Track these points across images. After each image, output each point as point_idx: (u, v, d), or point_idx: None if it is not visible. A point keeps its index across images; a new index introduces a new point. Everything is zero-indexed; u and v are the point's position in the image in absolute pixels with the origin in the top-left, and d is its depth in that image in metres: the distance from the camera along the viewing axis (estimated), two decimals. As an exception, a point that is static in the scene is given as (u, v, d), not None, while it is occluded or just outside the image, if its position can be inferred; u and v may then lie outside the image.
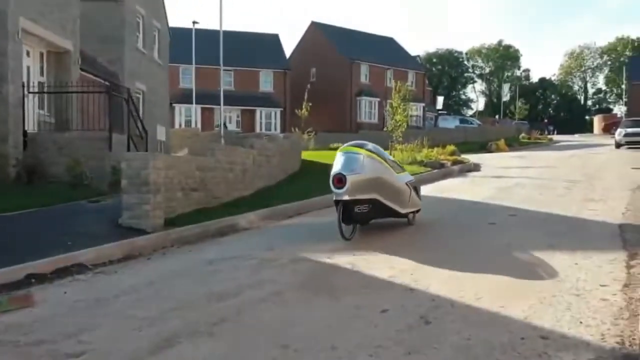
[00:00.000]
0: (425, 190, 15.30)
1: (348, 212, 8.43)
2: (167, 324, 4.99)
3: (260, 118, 51.60)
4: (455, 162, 22.53)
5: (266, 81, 52.41)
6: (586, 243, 7.93)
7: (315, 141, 35.76)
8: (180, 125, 47.65)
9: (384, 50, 55.76)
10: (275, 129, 50.10)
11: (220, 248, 8.68)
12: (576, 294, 5.48)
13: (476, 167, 23.05)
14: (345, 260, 7.21)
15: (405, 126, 22.23)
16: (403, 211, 9.53)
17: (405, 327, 4.70)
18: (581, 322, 4.66)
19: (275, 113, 51.76)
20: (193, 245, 8.89)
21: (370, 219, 9.19)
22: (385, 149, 22.95)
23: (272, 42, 54.06)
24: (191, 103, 43.20)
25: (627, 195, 12.92)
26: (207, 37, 39.77)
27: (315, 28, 55.67)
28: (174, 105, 47.93)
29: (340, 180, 8.24)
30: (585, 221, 9.82)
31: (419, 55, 65.70)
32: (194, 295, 5.94)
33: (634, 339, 4.26)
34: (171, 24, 34.60)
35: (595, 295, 5.42)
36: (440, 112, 70.37)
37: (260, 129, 49.96)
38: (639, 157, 26.27)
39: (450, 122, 55.29)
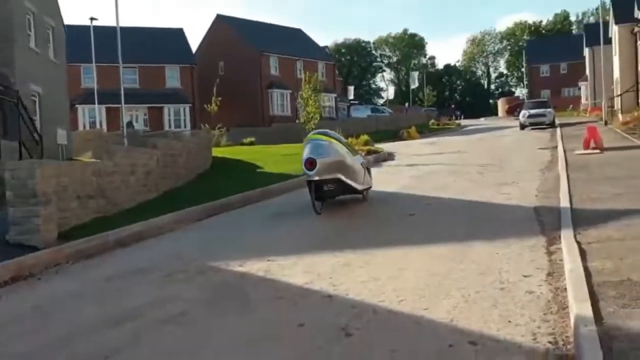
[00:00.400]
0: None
1: (319, 190, 9.96)
2: (49, 362, 4.28)
3: (169, 115, 49.81)
4: (369, 152, 22.41)
5: (172, 77, 50.62)
6: (504, 229, 7.79)
7: (227, 137, 34.87)
8: (84, 127, 45.19)
9: (292, 41, 55.25)
10: (185, 126, 48.54)
11: (121, 261, 7.92)
12: (500, 287, 5.21)
13: (390, 156, 23.06)
14: (258, 266, 6.67)
15: (318, 117, 21.91)
16: (360, 188, 10.91)
17: (325, 342, 4.23)
18: (510, 321, 4.37)
19: (184, 109, 50.14)
20: (91, 260, 8.08)
21: (336, 195, 10.69)
22: (299, 140, 22.69)
23: (176, 36, 52.30)
24: (94, 103, 40.98)
25: (538, 177, 13.10)
26: (107, 34, 37.72)
27: (221, 21, 54.28)
28: (76, 106, 45.37)
29: (311, 163, 9.56)
30: (500, 206, 9.75)
31: (327, 46, 65.73)
32: (86, 320, 5.24)
33: (567, 336, 3.98)
34: (68, 21, 32.51)
35: (521, 287, 5.17)
36: (352, 102, 70.80)
37: (170, 127, 48.23)
38: (542, 137, 27.25)
39: (362, 112, 55.70)
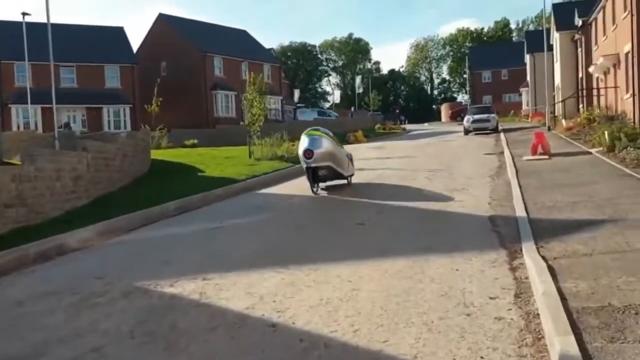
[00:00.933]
0: (288, 188, 14.37)
1: (315, 175, 12.37)
2: None
3: (108, 116, 47.85)
4: (315, 156, 21.85)
5: (112, 77, 48.68)
6: (462, 242, 7.26)
7: (169, 139, 33.60)
8: (18, 127, 42.80)
9: (237, 42, 54.16)
10: (126, 127, 46.74)
11: (38, 279, 6.97)
12: (466, 313, 4.62)
13: (337, 160, 22.54)
14: (192, 287, 5.88)
15: (263, 119, 21.09)
16: (345, 174, 13.50)
17: (267, 389, 3.52)
18: (482, 358, 3.76)
19: (125, 110, 48.28)
20: (5, 277, 7.09)
21: (328, 179, 13.07)
22: (244, 143, 21.90)
23: (117, 35, 50.37)
24: (28, 103, 38.87)
25: (488, 183, 12.76)
26: (42, 31, 35.80)
27: (164, 20, 52.67)
28: (9, 106, 43.06)
29: (309, 153, 11.88)
30: (454, 215, 9.26)
31: (273, 48, 64.84)
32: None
33: (549, 377, 3.41)
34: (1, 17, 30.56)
35: (488, 312, 4.60)
36: (298, 105, 70.27)
37: (109, 128, 46.33)
38: (487, 142, 27.31)
39: (308, 115, 55.21)
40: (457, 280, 5.48)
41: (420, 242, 7.39)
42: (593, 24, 32.22)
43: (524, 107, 62.33)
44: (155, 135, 29.79)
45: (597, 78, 31.58)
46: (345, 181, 13.73)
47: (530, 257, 5.88)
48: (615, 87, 26.59)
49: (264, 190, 14.18)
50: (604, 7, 28.66)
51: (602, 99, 30.61)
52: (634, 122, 22.42)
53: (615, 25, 25.79)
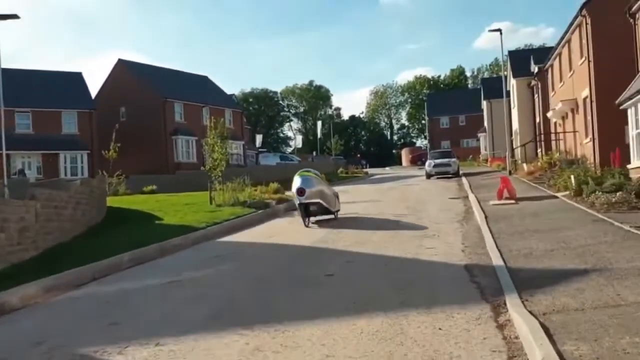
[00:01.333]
0: (251, 236, 13.75)
1: (307, 209, 14.43)
2: None
3: (65, 162, 46.50)
4: (280, 201, 21.29)
5: (70, 122, 47.55)
6: (440, 294, 6.78)
7: (128, 185, 32.60)
8: (-31, 174, 41.04)
9: (198, 88, 53.82)
10: (83, 174, 45.45)
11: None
12: (459, 383, 4.08)
13: (301, 206, 22.04)
14: (143, 355, 5.18)
15: (225, 164, 20.50)
16: (333, 209, 15.59)
17: None
18: None
19: (82, 156, 47.04)
20: None
21: (318, 214, 15.07)
22: (205, 189, 21.19)
23: (74, 80, 49.45)
24: (-22, 148, 37.38)
25: (458, 228, 12.41)
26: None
27: (123, 66, 52.07)
28: (-40, 152, 41.34)
29: (302, 191, 14.18)
30: (428, 264, 8.80)
31: (234, 94, 64.67)
32: None
33: None
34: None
35: (482, 381, 4.06)
36: (260, 150, 69.93)
37: (66, 174, 44.99)
38: (450, 186, 27.27)
39: (271, 159, 54.84)
40: (443, 343, 4.95)
41: (396, 295, 6.86)
42: (549, 70, 33.02)
43: (482, 151, 63.34)
44: (113, 182, 28.84)
45: (555, 123, 32.19)
46: (332, 215, 15.75)
47: (517, 312, 5.41)
48: (574, 131, 27.04)
49: (225, 239, 13.51)
50: (559, 54, 29.40)
51: (561, 143, 31.12)
52: (594, 165, 22.65)
53: (572, 71, 26.39)
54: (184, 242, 12.93)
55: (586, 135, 24.47)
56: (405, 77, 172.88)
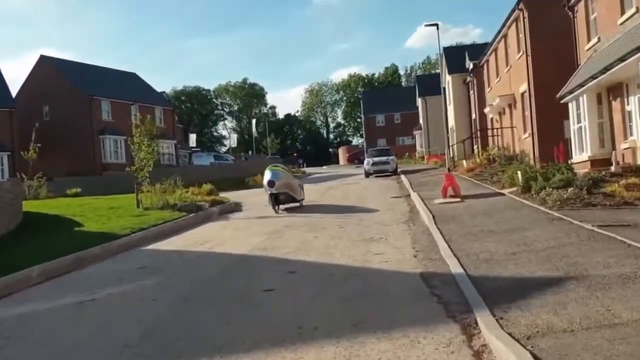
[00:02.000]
0: (180, 243, 12.48)
1: (277, 199, 16.83)
2: None
3: (-17, 165, 43.31)
4: (214, 203, 20.00)
5: (-14, 122, 44.33)
6: (398, 312, 5.83)
7: (51, 187, 30.44)
8: None
9: (126, 85, 51.23)
10: (4, 176, 42.32)
11: None
12: None
13: (237, 207, 20.82)
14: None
15: (152, 164, 19.03)
16: (298, 198, 18.18)
17: None
18: None
19: (2, 158, 43.91)
20: None
21: (286, 202, 17.61)
22: (132, 191, 19.64)
23: (-9, 77, 46.17)
24: None
25: (405, 231, 11.59)
26: None
27: (45, 62, 48.85)
28: None
29: (272, 183, 16.54)
30: (380, 273, 7.86)
31: (165, 92, 62.25)
32: None
33: None
34: None
35: None
36: (193, 149, 67.74)
37: (-17, 178, 41.82)
38: (390, 184, 26.66)
39: (205, 159, 53.04)
40: (412, 381, 3.98)
41: (348, 314, 5.87)
42: (485, 66, 33.03)
43: (418, 148, 63.61)
44: (33, 185, 26.71)
45: (492, 119, 32.19)
46: (298, 203, 18.39)
47: (496, 336, 4.52)
48: (512, 127, 26.97)
49: (151, 246, 12.20)
50: (495, 50, 29.34)
51: (498, 139, 31.13)
52: (533, 161, 22.49)
53: (509, 67, 26.27)
54: (105, 251, 11.56)
55: (524, 131, 24.36)
56: (339, 75, 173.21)
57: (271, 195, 16.81)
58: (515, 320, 4.96)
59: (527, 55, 22.47)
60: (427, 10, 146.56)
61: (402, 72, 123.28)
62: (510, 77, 26.12)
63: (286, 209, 17.61)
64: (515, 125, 26.07)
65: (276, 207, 16.85)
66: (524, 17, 22.48)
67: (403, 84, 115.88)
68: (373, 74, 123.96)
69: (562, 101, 18.95)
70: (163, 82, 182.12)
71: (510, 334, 4.55)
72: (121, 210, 17.81)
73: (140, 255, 11.31)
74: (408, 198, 19.04)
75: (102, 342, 5.71)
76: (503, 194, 15.34)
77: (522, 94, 24.26)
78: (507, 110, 27.49)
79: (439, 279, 7.10)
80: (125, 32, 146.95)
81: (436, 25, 28.29)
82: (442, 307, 5.86)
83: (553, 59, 21.75)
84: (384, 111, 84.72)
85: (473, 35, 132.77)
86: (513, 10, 23.75)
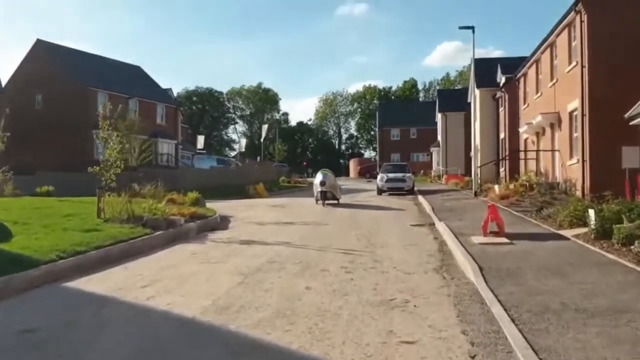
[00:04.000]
0: (118, 281, 8.63)
1: (324, 194, 23.40)
2: None
3: (-35, 153, 40.01)
4: (193, 217, 16.39)
5: (-28, 107, 41.12)
6: None
7: (25, 183, 27.16)
8: None
9: (127, 78, 47.85)
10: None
11: None
12: None
13: (223, 223, 17.31)
14: None
15: (122, 165, 15.46)
16: (338, 197, 24.61)
17: None
18: None
19: (-13, 148, 40.66)
20: None
21: (330, 199, 23.77)
22: (93, 194, 16.14)
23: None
24: None
25: (441, 287, 7.90)
26: None
27: (41, 47, 45.53)
28: None
29: (323, 183, 23.40)
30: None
31: (171, 88, 58.80)
32: None
33: None
34: None
35: None
36: (199, 151, 64.33)
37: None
38: (408, 206, 23.03)
39: (206, 162, 49.51)
40: None
41: None
42: (522, 80, 29.30)
43: (434, 167, 59.77)
44: (-3, 179, 23.40)
45: (527, 140, 28.43)
46: (336, 201, 24.30)
47: None
48: (553, 150, 23.22)
49: (76, 283, 8.58)
50: (537, 61, 25.65)
51: (531, 163, 27.37)
52: (582, 193, 18.76)
53: (554, 80, 22.55)
54: (7, 287, 7.96)
55: (571, 156, 20.61)
56: (355, 88, 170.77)
57: (321, 192, 23.44)
58: None
59: (582, 67, 18.77)
60: (448, 30, 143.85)
61: (420, 86, 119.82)
62: (556, 92, 22.40)
63: (276, 242, 14.04)
64: (559, 149, 22.30)
65: (323, 202, 23.28)
66: (581, 21, 18.80)
67: (421, 99, 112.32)
68: (390, 87, 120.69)
69: (631, 123, 15.27)
70: (177, 83, 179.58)
71: None
72: (76, 219, 14.30)
73: (50, 299, 7.69)
74: (432, 227, 15.40)
75: None
76: (565, 238, 11.57)
77: (571, 113, 20.54)
78: (549, 130, 23.72)
79: None
80: (141, 32, 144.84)
81: (472, 28, 24.67)
82: None
83: (615, 72, 18.12)
84: (399, 125, 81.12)
85: (494, 56, 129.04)
86: (567, 13, 20.08)
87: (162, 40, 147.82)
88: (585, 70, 18.60)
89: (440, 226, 14.97)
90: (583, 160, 18.72)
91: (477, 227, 12.83)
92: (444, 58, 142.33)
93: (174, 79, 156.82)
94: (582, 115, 18.84)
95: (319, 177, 23.88)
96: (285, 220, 17.71)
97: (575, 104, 19.79)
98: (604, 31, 18.30)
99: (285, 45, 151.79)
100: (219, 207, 22.72)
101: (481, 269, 8.64)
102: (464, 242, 11.45)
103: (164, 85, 57.48)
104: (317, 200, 23.80)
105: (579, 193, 19.18)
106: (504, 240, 11.44)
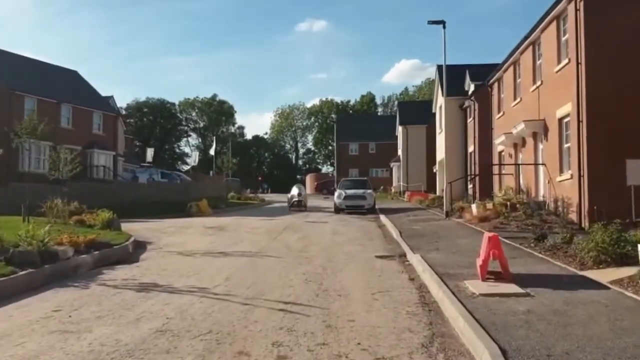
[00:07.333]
0: None
1: (300, 203, 32.10)
2: None
3: None
4: (92, 245, 12.47)
5: None
6: None
7: None
8: None
9: (61, 83, 43.22)
10: None
11: None
12: None
13: (136, 252, 13.49)
14: None
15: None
16: (306, 207, 32.67)
17: None
18: None
19: None
20: None
21: (303, 206, 32.26)
22: (33, 209, 11.87)
23: None
24: None
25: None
26: None
27: (-37, 46, 41.06)
28: None
29: (300, 194, 32.49)
30: None
31: (112, 96, 54.12)
32: None
33: None
34: None
35: None
36: (146, 164, 59.74)
37: None
38: (370, 229, 19.59)
39: (144, 176, 45.12)
40: None
41: None
42: (496, 85, 26.30)
43: (395, 182, 56.68)
44: None
45: (502, 152, 25.35)
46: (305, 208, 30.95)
47: None
48: (536, 164, 20.11)
49: None
50: (515, 63, 22.65)
51: (507, 179, 24.30)
52: (577, 215, 15.65)
53: (539, 83, 19.48)
54: None
55: (561, 170, 17.51)
56: (313, 103, 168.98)
57: (297, 201, 31.50)
58: None
59: (577, 64, 15.73)
60: (407, 49, 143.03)
61: (378, 101, 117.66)
62: (540, 96, 19.35)
63: (189, 288, 10.32)
64: (544, 162, 19.18)
65: (298, 208, 30.25)
66: (576, 9, 15.77)
67: (379, 113, 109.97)
68: (348, 101, 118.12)
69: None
70: (130, 95, 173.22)
71: None
72: None
73: None
74: (404, 261, 11.90)
75: None
76: (600, 285, 8.11)
77: (561, 119, 17.46)
78: (531, 141, 20.60)
79: None
80: (100, 45, 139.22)
81: (442, 23, 21.49)
82: None
83: (617, 69, 15.18)
84: (358, 139, 78.14)
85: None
86: (556, 4, 17.09)
87: (117, 52, 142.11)
88: (582, 67, 15.55)
89: (415, 259, 11.49)
90: (579, 176, 15.59)
91: (464, 261, 9.48)
92: (402, 75, 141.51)
93: (128, 91, 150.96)
94: (578, 121, 15.75)
95: (295, 190, 32.78)
96: (217, 250, 13.94)
97: (566, 108, 16.73)
98: (605, 20, 15.34)
99: (245, 61, 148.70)
100: (142, 229, 18.81)
101: (504, 354, 5.08)
102: (457, 292, 7.93)
103: (106, 93, 53.00)
104: (290, 207, 32.07)
105: (573, 215, 16.05)
106: (514, 288, 7.95)
